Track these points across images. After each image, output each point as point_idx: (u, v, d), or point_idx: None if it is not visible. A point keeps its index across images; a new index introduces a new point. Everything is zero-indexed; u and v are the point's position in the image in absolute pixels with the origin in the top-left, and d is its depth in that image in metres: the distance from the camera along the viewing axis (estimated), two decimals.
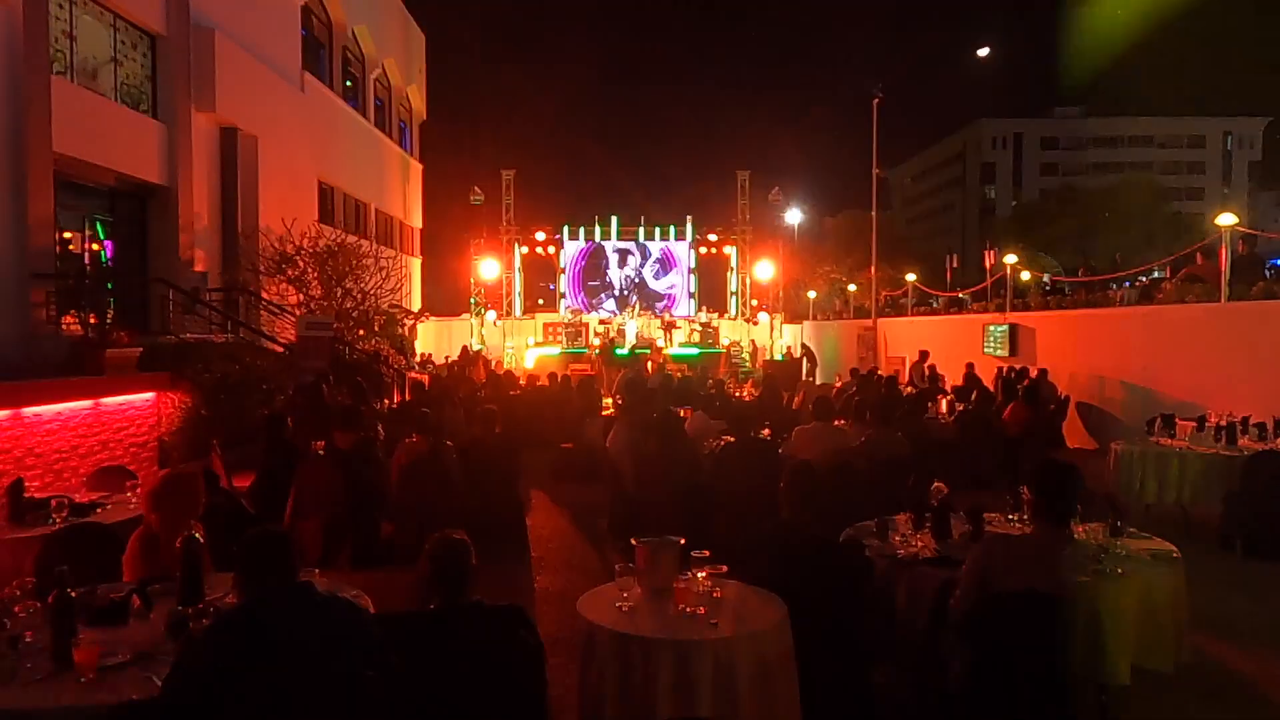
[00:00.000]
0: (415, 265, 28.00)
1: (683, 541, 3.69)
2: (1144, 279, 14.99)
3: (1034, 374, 12.92)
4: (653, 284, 27.39)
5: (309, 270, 15.22)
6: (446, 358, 22.87)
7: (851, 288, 30.84)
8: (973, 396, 11.76)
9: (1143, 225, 46.69)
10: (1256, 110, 70.28)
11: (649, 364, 20.08)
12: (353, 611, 2.88)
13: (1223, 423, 8.06)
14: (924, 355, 16.64)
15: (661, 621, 3.35)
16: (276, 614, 2.75)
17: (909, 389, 14.27)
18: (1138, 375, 12.09)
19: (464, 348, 22.61)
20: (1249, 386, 9.73)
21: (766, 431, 8.05)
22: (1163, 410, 9.35)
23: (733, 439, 7.67)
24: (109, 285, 12.59)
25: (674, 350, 22.93)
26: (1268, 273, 11.44)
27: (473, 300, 26.22)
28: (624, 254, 27.34)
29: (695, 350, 23.42)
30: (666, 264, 27.52)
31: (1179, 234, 43.38)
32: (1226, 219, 11.11)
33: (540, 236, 26.88)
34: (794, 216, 31.69)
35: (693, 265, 27.52)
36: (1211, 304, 10.96)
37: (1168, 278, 13.51)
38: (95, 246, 12.99)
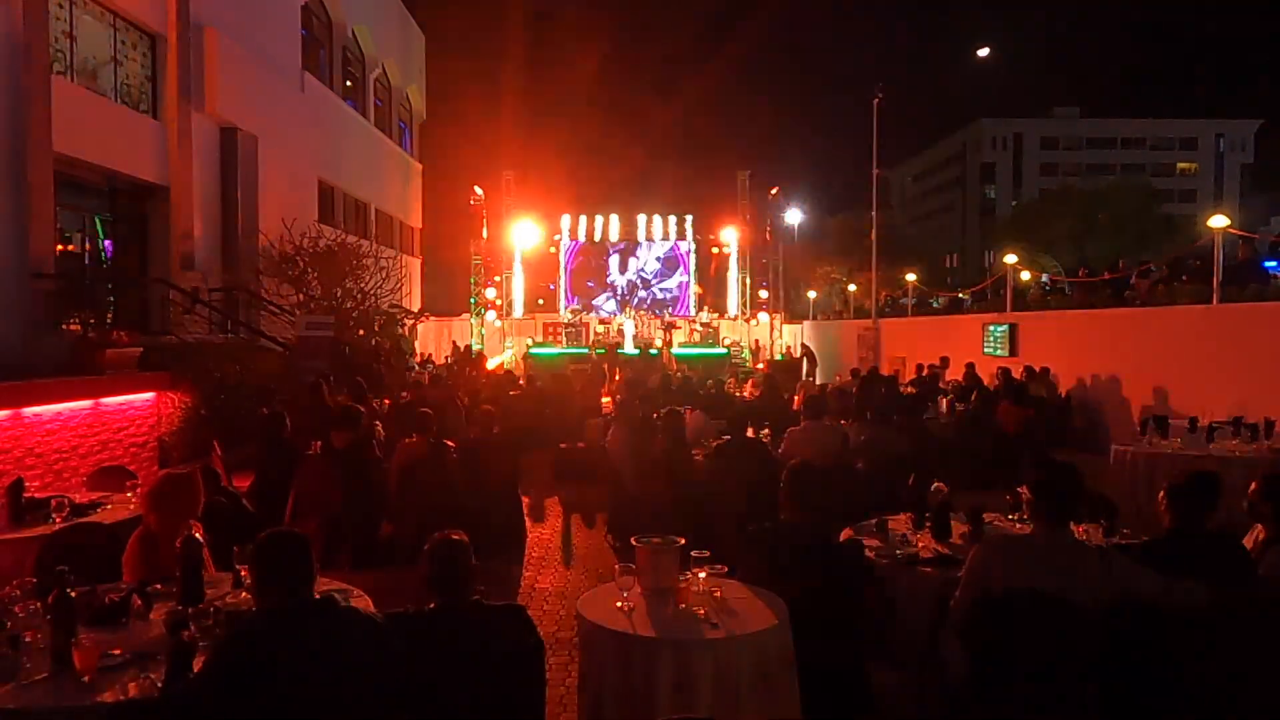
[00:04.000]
0: (415, 265, 27.99)
1: (683, 541, 3.69)
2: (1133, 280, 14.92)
3: (1023, 374, 12.86)
4: (653, 284, 27.35)
5: (309, 270, 15.23)
6: (446, 358, 22.84)
7: (851, 288, 30.90)
8: (973, 396, 11.76)
9: (1135, 226, 46.78)
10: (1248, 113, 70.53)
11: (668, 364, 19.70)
12: (377, 630, 2.82)
13: (1212, 423, 8.07)
14: (944, 361, 15.51)
15: (661, 621, 3.35)
16: (303, 628, 2.68)
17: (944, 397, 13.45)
18: (1138, 375, 12.08)
19: (466, 347, 22.53)
20: (1242, 387, 9.73)
21: (766, 432, 8.04)
22: (1162, 411, 9.34)
23: (729, 438, 7.65)
24: (109, 285, 12.59)
25: (680, 351, 22.28)
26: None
27: (473, 300, 26.21)
28: (625, 254, 27.32)
29: (697, 350, 23.31)
30: (667, 264, 27.49)
31: (1171, 235, 43.55)
32: (1218, 221, 11.11)
33: (540, 236, 26.87)
34: (794, 216, 31.71)
35: (693, 265, 27.49)
36: (1205, 305, 10.98)
37: (1162, 277, 13.46)
38: (95, 246, 12.99)
